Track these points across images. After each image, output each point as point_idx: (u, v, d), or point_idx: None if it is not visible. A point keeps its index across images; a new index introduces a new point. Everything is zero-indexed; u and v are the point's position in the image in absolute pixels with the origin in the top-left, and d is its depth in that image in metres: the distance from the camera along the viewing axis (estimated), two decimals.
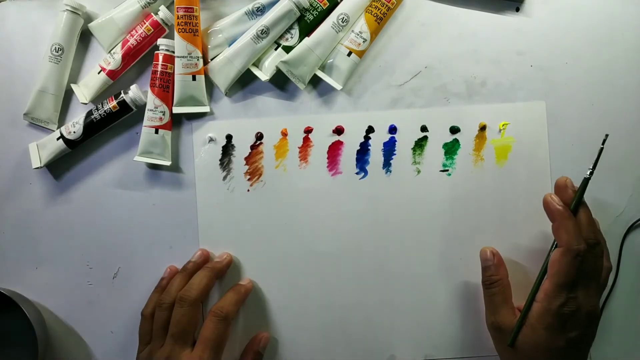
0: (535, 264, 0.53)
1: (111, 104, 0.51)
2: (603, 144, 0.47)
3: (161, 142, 0.52)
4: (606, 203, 0.53)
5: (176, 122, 0.54)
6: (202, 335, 0.48)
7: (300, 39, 0.52)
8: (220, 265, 0.52)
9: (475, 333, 0.53)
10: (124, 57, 0.51)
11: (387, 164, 0.53)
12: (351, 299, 0.53)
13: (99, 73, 0.52)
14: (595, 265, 0.45)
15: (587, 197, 0.52)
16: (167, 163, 0.53)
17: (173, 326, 0.48)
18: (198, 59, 0.51)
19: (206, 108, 0.53)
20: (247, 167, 0.54)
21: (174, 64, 0.51)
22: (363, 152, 0.53)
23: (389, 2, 0.51)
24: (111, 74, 0.52)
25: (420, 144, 0.53)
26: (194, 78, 0.52)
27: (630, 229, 0.53)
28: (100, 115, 0.52)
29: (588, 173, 0.47)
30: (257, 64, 0.53)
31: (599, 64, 0.53)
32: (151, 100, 0.51)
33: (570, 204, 0.46)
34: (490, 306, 0.49)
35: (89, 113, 0.52)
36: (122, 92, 0.52)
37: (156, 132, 0.52)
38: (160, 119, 0.52)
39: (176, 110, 0.52)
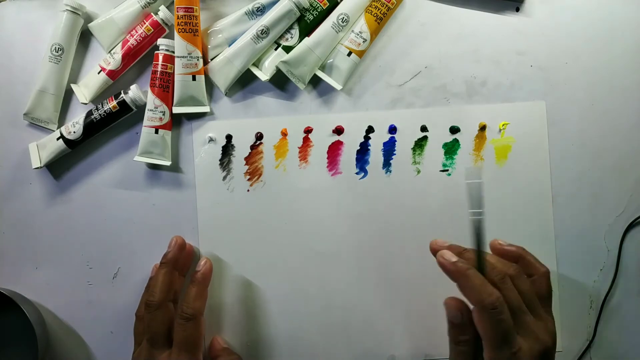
0: None
1: (111, 104, 0.51)
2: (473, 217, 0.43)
3: (161, 142, 0.52)
4: (606, 203, 0.53)
5: (176, 122, 0.54)
6: (175, 339, 0.48)
7: (300, 39, 0.52)
8: (173, 254, 0.51)
9: None
10: (124, 57, 0.51)
11: (387, 164, 0.53)
12: (351, 299, 0.53)
13: (99, 73, 0.52)
14: (522, 292, 0.42)
15: (588, 196, 0.53)
16: (167, 163, 0.53)
17: (146, 331, 0.48)
18: (198, 59, 0.51)
19: (206, 108, 0.53)
20: (247, 167, 0.54)
21: (174, 64, 0.51)
22: (363, 152, 0.53)
23: (389, 2, 0.51)
24: (111, 74, 0.52)
25: (420, 144, 0.53)
26: (194, 78, 0.52)
27: (629, 227, 0.53)
28: (100, 115, 0.52)
29: (473, 214, 0.43)
30: (257, 64, 0.53)
31: (599, 64, 0.53)
32: (151, 100, 0.51)
33: (474, 259, 0.43)
34: None
35: (89, 113, 0.52)
36: (122, 92, 0.52)
37: (156, 132, 0.52)
38: (160, 119, 0.52)
39: (176, 110, 0.52)
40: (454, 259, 0.42)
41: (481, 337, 0.41)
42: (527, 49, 0.53)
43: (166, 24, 0.51)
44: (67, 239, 0.54)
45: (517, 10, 0.54)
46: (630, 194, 0.53)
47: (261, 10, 0.52)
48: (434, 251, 0.45)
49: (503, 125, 0.53)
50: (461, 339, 0.43)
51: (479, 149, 0.53)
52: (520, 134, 0.53)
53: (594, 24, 0.53)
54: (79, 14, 0.52)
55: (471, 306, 0.41)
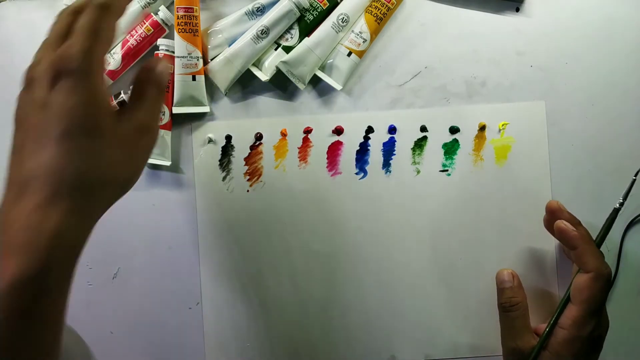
0: (534, 265, 0.53)
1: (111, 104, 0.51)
2: (636, 175, 0.47)
3: (161, 142, 0.52)
4: (606, 203, 0.53)
5: (176, 122, 0.54)
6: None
7: (300, 39, 0.52)
8: None
9: (475, 333, 0.53)
10: (124, 57, 0.51)
11: (386, 164, 0.53)
12: (351, 299, 0.53)
13: None
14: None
15: (588, 197, 0.53)
16: (167, 163, 0.53)
17: (62, 122, 0.32)
18: (198, 59, 0.51)
19: (206, 108, 0.53)
20: (246, 167, 0.54)
21: (173, 64, 0.51)
22: (363, 153, 0.53)
23: (389, 2, 0.51)
24: (111, 74, 0.52)
25: (419, 144, 0.53)
26: (193, 78, 0.52)
27: (629, 227, 0.53)
28: None
29: (618, 204, 0.47)
30: (257, 64, 0.53)
31: (599, 64, 0.53)
32: None
33: (597, 236, 0.48)
34: (510, 331, 0.47)
35: (117, 94, 0.52)
36: (122, 92, 0.52)
37: None
38: (160, 119, 0.52)
39: (176, 110, 0.52)
40: (575, 229, 0.46)
41: (578, 301, 0.44)
42: (527, 49, 0.53)
43: (166, 24, 0.51)
44: None
45: (517, 10, 0.54)
46: (630, 194, 0.53)
47: (261, 10, 0.52)
48: (552, 211, 0.48)
49: (503, 125, 0.53)
50: (513, 301, 0.47)
51: (478, 149, 0.53)
52: (520, 134, 0.53)
53: (594, 24, 0.53)
54: None
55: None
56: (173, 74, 0.52)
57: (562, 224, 0.46)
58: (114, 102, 0.51)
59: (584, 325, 0.44)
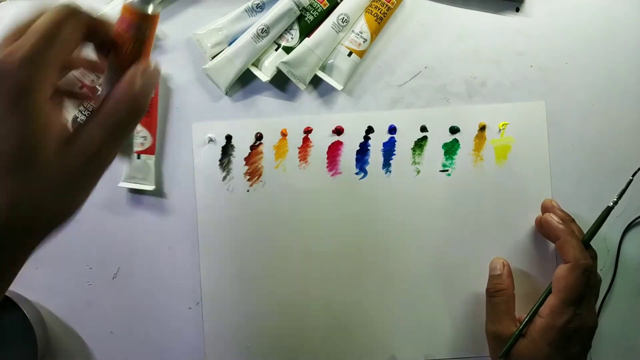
0: (533, 265, 0.53)
1: None
2: (633, 176, 0.48)
3: (144, 167, 0.52)
4: (606, 203, 0.53)
5: (176, 121, 0.54)
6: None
7: (301, 39, 0.52)
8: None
9: (475, 333, 0.53)
10: None
11: (386, 164, 0.53)
12: (351, 299, 0.53)
13: None
14: (596, 280, 0.47)
15: (587, 197, 0.53)
16: (151, 188, 0.53)
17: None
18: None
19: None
20: (246, 167, 0.54)
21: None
22: (363, 153, 0.53)
23: (389, 2, 0.51)
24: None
25: (420, 144, 0.53)
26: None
27: (628, 228, 0.53)
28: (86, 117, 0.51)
29: (612, 202, 0.48)
30: (257, 64, 0.53)
31: (599, 64, 0.53)
32: None
33: (588, 231, 0.48)
34: (492, 315, 0.49)
35: (74, 118, 0.51)
36: (79, 113, 0.50)
37: (138, 157, 0.52)
38: (142, 144, 0.52)
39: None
40: (561, 222, 0.48)
41: (556, 290, 0.45)
42: (527, 49, 0.53)
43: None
44: (67, 239, 0.54)
45: (517, 10, 0.54)
46: (629, 194, 0.53)
47: (261, 7, 0.52)
48: (546, 208, 0.50)
49: (503, 125, 0.53)
50: (498, 287, 0.49)
51: (478, 149, 0.53)
52: (520, 134, 0.53)
53: (594, 24, 0.53)
54: None
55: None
56: (156, 96, 0.51)
57: (548, 216, 0.48)
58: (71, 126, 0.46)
59: (560, 315, 0.44)
